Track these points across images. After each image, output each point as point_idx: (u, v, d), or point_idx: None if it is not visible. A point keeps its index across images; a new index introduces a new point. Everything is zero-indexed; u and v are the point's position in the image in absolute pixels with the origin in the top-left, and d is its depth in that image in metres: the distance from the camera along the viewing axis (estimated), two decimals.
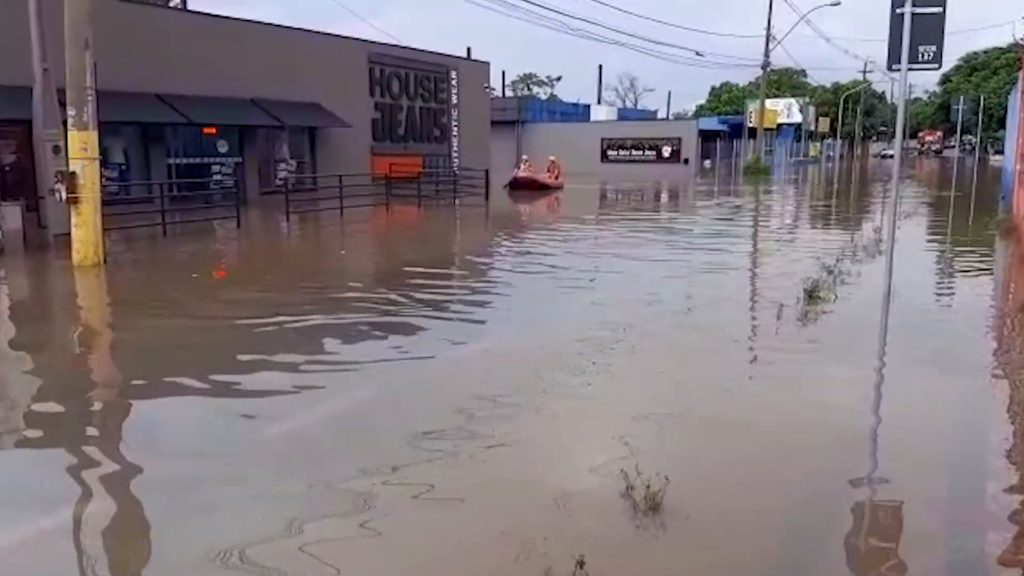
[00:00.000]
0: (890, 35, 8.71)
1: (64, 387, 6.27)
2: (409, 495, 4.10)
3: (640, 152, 47.03)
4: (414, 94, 29.40)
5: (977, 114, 64.39)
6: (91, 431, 5.31)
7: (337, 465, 4.53)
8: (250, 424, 5.36)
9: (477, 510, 4.08)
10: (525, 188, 28.95)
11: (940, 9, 8.55)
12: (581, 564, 3.23)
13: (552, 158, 31.89)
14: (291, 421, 5.31)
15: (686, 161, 45.93)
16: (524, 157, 31.63)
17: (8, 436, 5.16)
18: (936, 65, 8.74)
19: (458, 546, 3.75)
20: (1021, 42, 39.28)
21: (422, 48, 30.17)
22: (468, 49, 33.33)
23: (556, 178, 30.72)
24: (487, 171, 27.29)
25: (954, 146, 75.82)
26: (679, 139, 46.58)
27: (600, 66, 70.72)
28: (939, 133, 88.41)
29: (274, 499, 4.14)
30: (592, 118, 54.84)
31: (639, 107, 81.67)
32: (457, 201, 24.71)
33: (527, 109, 50.93)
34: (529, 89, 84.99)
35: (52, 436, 5.16)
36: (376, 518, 3.87)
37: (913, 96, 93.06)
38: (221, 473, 4.51)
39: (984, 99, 64.61)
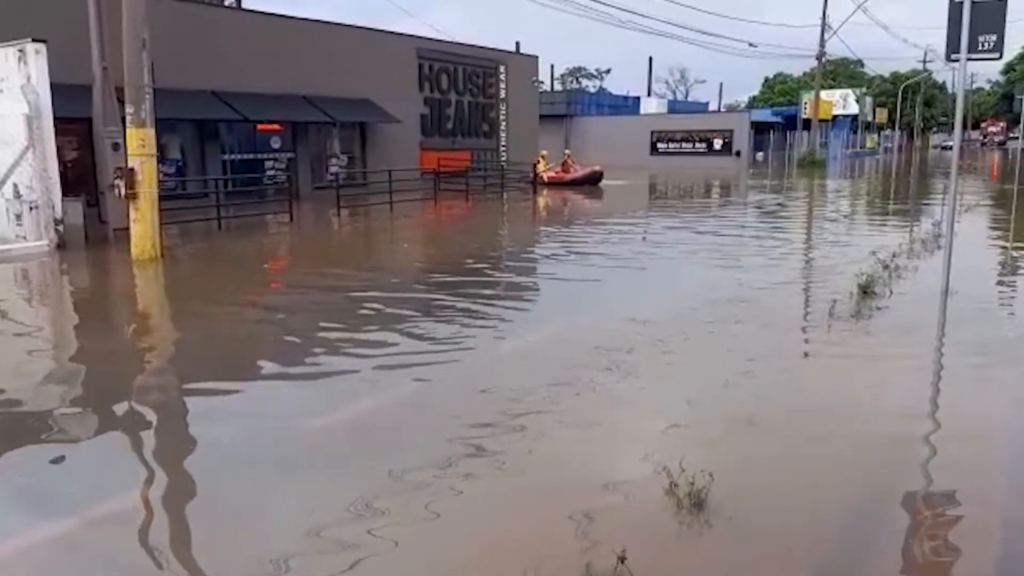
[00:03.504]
0: (949, 24, 8.45)
1: (119, 377, 6.45)
2: (449, 487, 4.13)
3: (690, 145, 46.46)
4: (463, 89, 29.48)
5: None
6: (150, 419, 5.44)
7: (383, 457, 4.59)
8: (309, 412, 5.44)
9: (517, 504, 4.09)
10: (591, 183, 28.45)
11: None
12: (622, 559, 3.22)
13: (567, 151, 32.17)
14: (348, 410, 5.40)
15: (738, 154, 45.23)
16: (544, 152, 30.68)
17: (71, 425, 5.33)
18: (997, 55, 8.46)
19: (500, 540, 3.76)
20: None
21: (471, 43, 30.26)
22: (517, 43, 33.30)
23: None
24: (535, 165, 27.24)
25: (1018, 137, 73.30)
26: (731, 131, 45.88)
27: (650, 58, 70.40)
28: (1002, 124, 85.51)
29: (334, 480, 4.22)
30: (642, 111, 54.37)
31: (690, 99, 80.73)
32: (505, 195, 24.74)
33: (576, 102, 50.71)
34: (578, 82, 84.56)
35: (110, 426, 5.32)
36: (419, 508, 3.91)
37: (975, 86, 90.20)
38: (281, 458, 4.61)
39: None
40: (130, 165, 11.85)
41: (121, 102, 12.44)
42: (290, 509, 4.00)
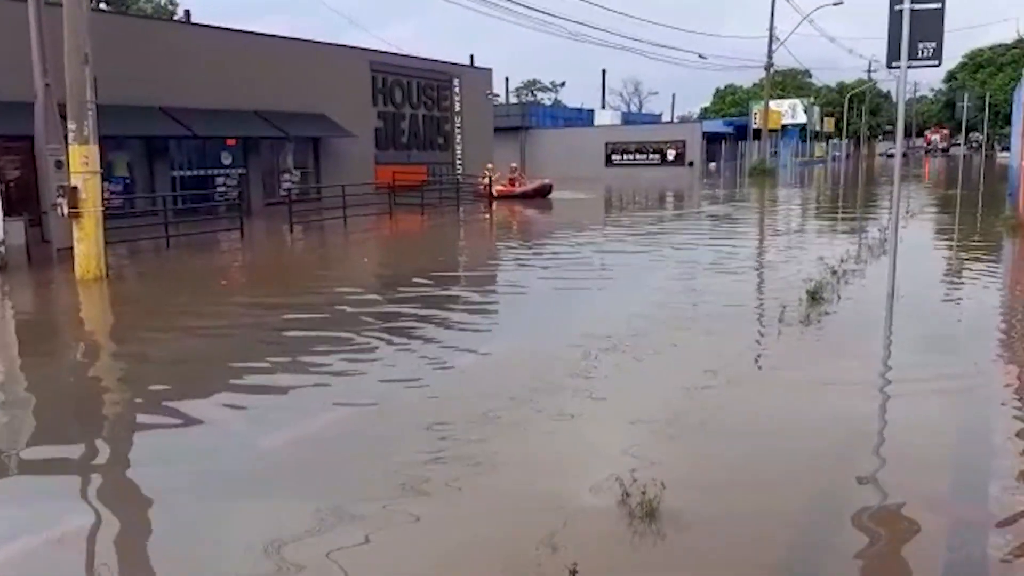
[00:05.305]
0: (889, 32, 8.64)
1: (61, 402, 6.26)
2: (403, 503, 4.06)
3: (644, 156, 46.99)
4: (417, 102, 29.42)
5: (983, 111, 64.08)
6: (92, 446, 5.28)
7: (335, 477, 4.51)
8: (252, 435, 5.33)
9: (469, 517, 4.03)
10: (540, 197, 28.13)
11: (939, 5, 8.48)
12: (573, 573, 3.18)
13: (513, 164, 31.42)
14: (290, 431, 5.28)
15: (690, 164, 45.85)
16: (489, 165, 29.03)
17: (11, 454, 5.14)
18: (936, 62, 8.66)
19: (450, 556, 3.70)
20: None
21: (424, 56, 30.23)
22: (471, 56, 33.30)
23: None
24: (490, 178, 27.25)
25: (960, 144, 75.53)
26: (683, 142, 46.53)
27: (604, 71, 70.94)
28: (945, 131, 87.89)
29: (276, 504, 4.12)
30: (596, 123, 54.85)
31: (643, 111, 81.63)
32: (461, 209, 24.69)
33: (531, 115, 50.98)
34: (533, 95, 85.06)
35: (53, 455, 5.14)
36: (372, 526, 3.83)
37: (919, 94, 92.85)
38: (230, 481, 4.49)
39: (990, 96, 64.32)
40: (73, 183, 11.57)
41: (64, 119, 12.16)
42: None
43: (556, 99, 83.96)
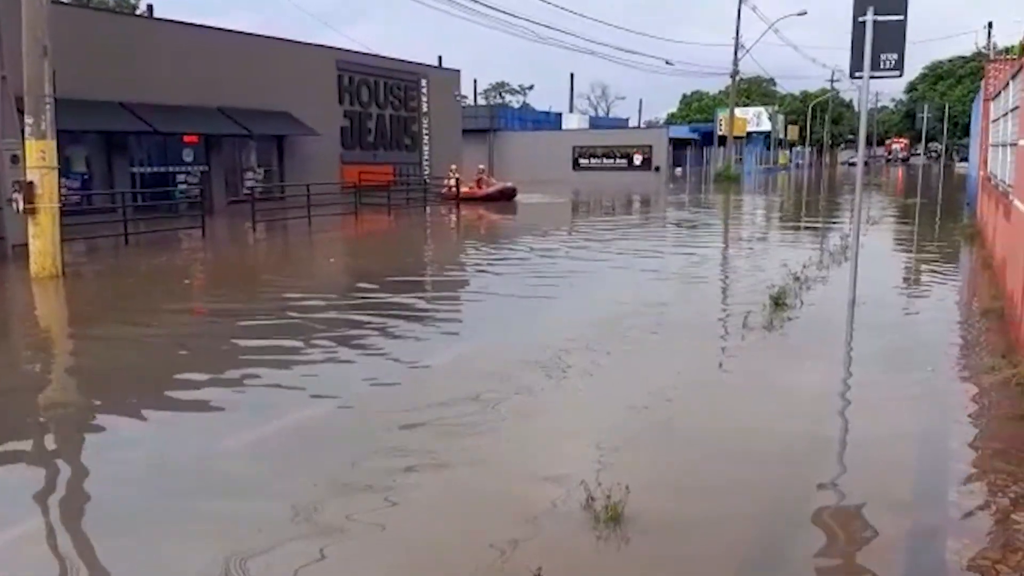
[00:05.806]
0: (852, 43, 8.77)
1: (9, 404, 6.09)
2: (364, 508, 4.00)
3: (611, 160, 47.21)
4: (384, 102, 29.26)
5: (942, 122, 65.40)
6: (41, 448, 5.14)
7: (292, 484, 4.42)
8: (203, 443, 5.22)
9: (432, 521, 3.98)
10: (505, 199, 27.87)
11: (901, 17, 8.63)
12: None
13: (481, 166, 31.18)
14: (248, 435, 5.18)
15: (657, 169, 46.17)
16: (453, 167, 28.62)
17: None
18: (898, 72, 8.81)
19: (413, 561, 3.65)
20: (984, 51, 40.01)
21: (392, 56, 30.07)
22: (439, 57, 33.25)
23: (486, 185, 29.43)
24: (457, 179, 27.18)
25: (920, 153, 77.04)
26: (650, 147, 46.83)
27: (572, 75, 71.37)
28: (906, 141, 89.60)
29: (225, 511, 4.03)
30: (564, 126, 54.99)
31: (611, 115, 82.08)
32: (428, 209, 24.59)
33: (499, 117, 50.98)
34: (502, 98, 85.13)
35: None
36: (335, 531, 3.76)
37: (880, 104, 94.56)
38: (184, 486, 4.39)
39: (949, 107, 65.68)
40: (29, 178, 11.30)
41: (21, 112, 11.87)
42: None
43: (524, 102, 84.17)
